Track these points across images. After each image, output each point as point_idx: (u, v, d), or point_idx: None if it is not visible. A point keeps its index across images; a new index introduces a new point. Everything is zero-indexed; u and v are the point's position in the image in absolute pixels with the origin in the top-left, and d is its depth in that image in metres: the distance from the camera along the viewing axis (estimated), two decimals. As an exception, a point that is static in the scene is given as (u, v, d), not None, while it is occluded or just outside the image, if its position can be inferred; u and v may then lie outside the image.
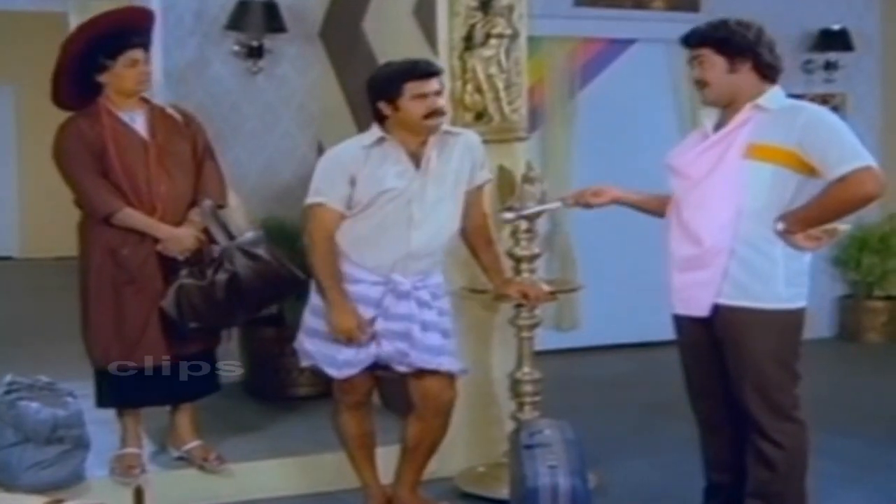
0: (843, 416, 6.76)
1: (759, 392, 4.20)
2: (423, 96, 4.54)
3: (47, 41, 9.59)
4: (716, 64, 4.18)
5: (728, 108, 4.22)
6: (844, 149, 4.01)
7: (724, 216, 4.11)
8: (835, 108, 8.82)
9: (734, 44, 4.17)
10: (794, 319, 4.24)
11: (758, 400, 4.20)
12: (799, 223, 4.08)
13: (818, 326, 8.89)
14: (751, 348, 4.17)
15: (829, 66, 8.76)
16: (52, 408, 4.93)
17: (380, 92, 4.62)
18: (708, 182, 4.15)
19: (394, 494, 4.97)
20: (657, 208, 4.49)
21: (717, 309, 4.17)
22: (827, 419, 6.60)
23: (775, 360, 4.21)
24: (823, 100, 8.79)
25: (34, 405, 4.91)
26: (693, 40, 4.26)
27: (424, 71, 4.59)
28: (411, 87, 4.54)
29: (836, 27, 8.66)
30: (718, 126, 4.24)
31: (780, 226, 4.08)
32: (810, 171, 4.07)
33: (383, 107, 4.61)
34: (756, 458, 4.25)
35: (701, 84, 4.24)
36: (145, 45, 5.04)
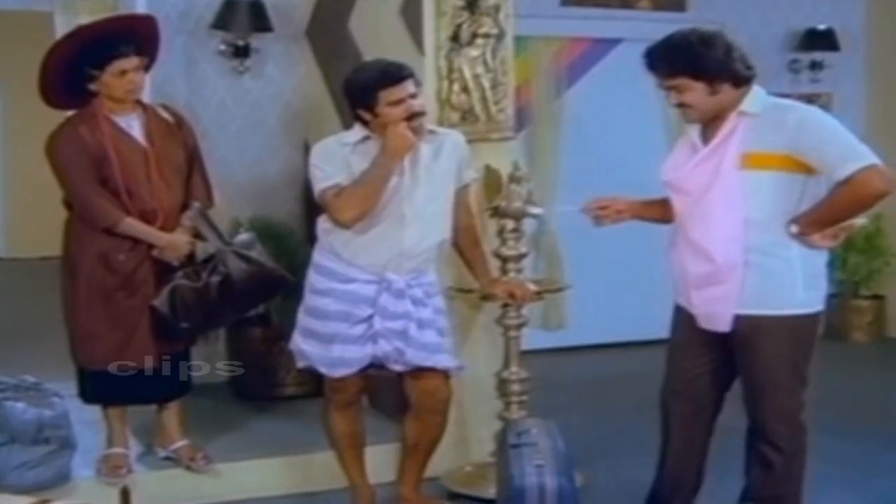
0: (828, 414, 6.73)
1: (770, 398, 4.19)
2: (400, 101, 4.54)
3: (33, 40, 9.56)
4: (695, 89, 4.07)
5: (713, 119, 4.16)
6: (844, 149, 3.95)
7: (731, 229, 4.04)
8: (821, 108, 8.86)
9: (709, 70, 4.04)
10: (810, 324, 4.18)
11: (767, 405, 4.20)
12: (812, 225, 4.03)
13: (804, 326, 8.93)
14: (766, 355, 4.13)
15: (815, 65, 8.78)
16: (38, 408, 4.93)
17: (356, 100, 4.62)
18: (708, 197, 4.08)
19: (398, 493, 5.01)
20: (662, 215, 4.43)
21: (736, 320, 4.12)
22: (812, 418, 6.64)
23: (789, 365, 4.17)
24: (809, 99, 8.79)
25: (20, 405, 4.90)
26: (664, 71, 4.13)
27: (395, 77, 4.55)
28: (385, 95, 4.53)
29: (821, 27, 8.68)
30: (704, 134, 4.18)
31: (795, 229, 4.02)
32: (809, 170, 4.01)
33: (362, 113, 4.62)
34: (758, 462, 4.27)
35: (683, 107, 4.13)
36: (140, 51, 4.97)
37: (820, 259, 4.16)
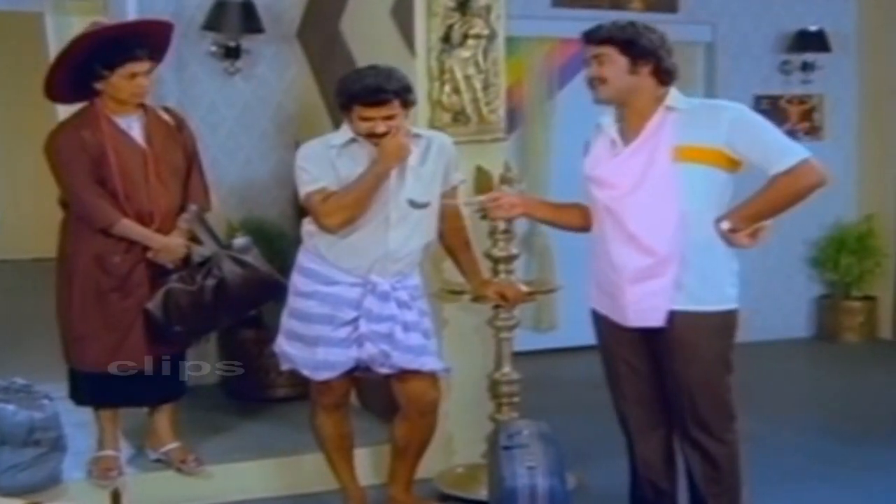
0: (819, 415, 6.80)
1: (711, 395, 4.22)
2: (368, 119, 4.54)
3: (23, 41, 9.57)
4: (617, 63, 4.16)
5: (627, 110, 4.22)
6: (781, 143, 4.09)
7: (670, 222, 4.10)
8: (812, 109, 8.88)
9: (639, 46, 4.15)
10: (735, 320, 4.26)
11: (708, 403, 4.22)
12: (746, 220, 4.10)
13: (796, 326, 8.96)
14: (703, 352, 4.18)
15: (807, 66, 8.78)
16: (29, 410, 4.91)
17: (338, 103, 4.66)
18: (643, 190, 4.12)
19: (388, 494, 5.01)
20: (572, 222, 4.52)
21: (672, 316, 4.15)
22: (804, 418, 6.66)
23: (723, 361, 4.24)
24: (801, 101, 8.85)
25: (10, 407, 4.88)
26: (597, 38, 4.23)
27: (370, 99, 4.53)
28: (358, 110, 4.55)
29: (813, 28, 8.67)
30: (623, 132, 4.22)
31: (726, 225, 4.08)
32: (735, 167, 4.12)
33: (343, 115, 4.66)
34: (702, 462, 4.28)
35: (598, 81, 4.22)
36: (152, 55, 4.99)
37: (735, 258, 4.23)
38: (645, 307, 4.18)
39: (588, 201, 4.40)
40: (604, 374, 4.52)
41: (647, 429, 4.44)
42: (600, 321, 4.43)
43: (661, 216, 4.10)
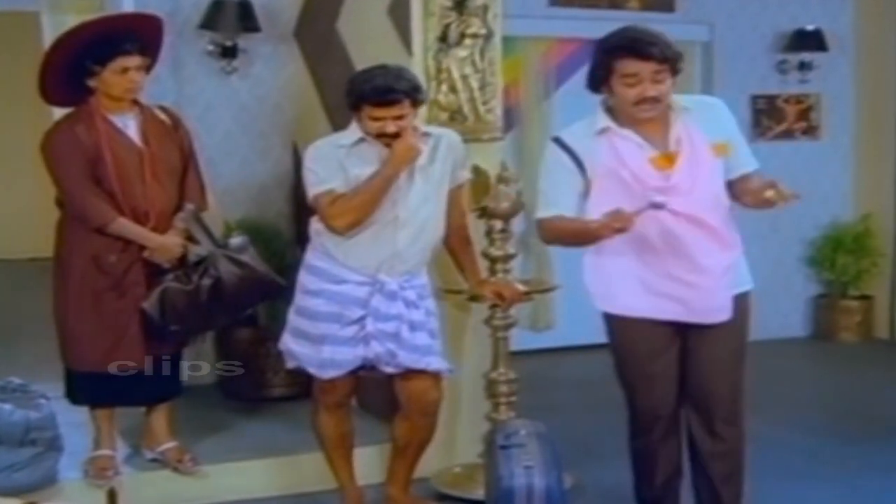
0: (816, 415, 6.79)
1: (740, 381, 4.29)
2: (378, 119, 4.53)
3: (17, 41, 9.53)
4: (667, 82, 4.12)
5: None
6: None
7: (727, 215, 4.22)
8: (809, 109, 8.88)
9: (679, 61, 4.16)
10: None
11: (738, 389, 4.29)
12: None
13: (793, 326, 8.95)
14: (744, 333, 4.29)
15: (804, 66, 8.77)
16: (25, 410, 4.91)
17: (348, 102, 4.63)
18: (701, 190, 4.13)
19: (386, 494, 5.00)
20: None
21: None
22: (800, 417, 6.66)
23: (747, 336, 4.34)
24: (798, 100, 8.84)
25: (6, 407, 4.88)
26: (660, 56, 4.08)
27: (380, 100, 4.51)
28: (367, 110, 4.54)
29: (810, 27, 8.67)
30: (642, 134, 4.19)
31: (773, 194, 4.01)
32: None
33: (353, 114, 4.64)
34: (723, 456, 4.32)
35: (654, 101, 4.11)
36: (143, 50, 4.96)
37: None
38: (726, 299, 4.20)
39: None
40: (628, 383, 4.43)
41: (670, 434, 4.44)
42: (636, 326, 4.33)
43: (722, 210, 4.20)
